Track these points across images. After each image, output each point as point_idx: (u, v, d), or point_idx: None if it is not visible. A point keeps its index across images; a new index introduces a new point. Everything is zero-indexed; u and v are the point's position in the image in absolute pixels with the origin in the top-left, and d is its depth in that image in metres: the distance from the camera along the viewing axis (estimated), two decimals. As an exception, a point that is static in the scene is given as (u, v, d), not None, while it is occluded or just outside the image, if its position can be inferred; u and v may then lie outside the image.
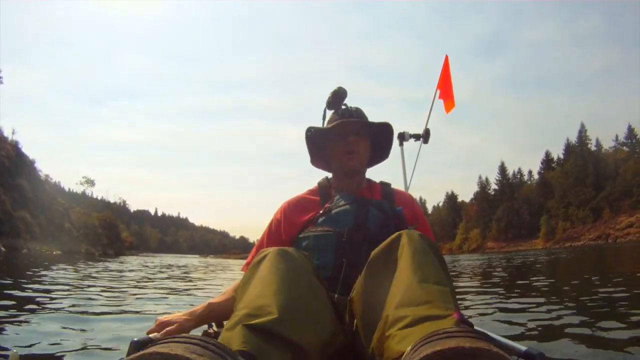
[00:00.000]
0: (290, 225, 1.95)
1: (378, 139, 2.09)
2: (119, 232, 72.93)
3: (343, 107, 2.06)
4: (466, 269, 16.52)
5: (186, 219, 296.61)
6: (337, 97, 2.06)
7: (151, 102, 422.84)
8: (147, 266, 20.99)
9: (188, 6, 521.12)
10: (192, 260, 46.66)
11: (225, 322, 1.42)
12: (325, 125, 2.09)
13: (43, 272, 11.97)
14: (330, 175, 2.17)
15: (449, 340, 0.80)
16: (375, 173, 2.20)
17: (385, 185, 2.13)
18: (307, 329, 1.14)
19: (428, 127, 3.93)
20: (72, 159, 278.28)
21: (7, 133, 51.53)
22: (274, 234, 2.00)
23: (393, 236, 1.34)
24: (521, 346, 1.37)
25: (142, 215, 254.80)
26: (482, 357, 0.77)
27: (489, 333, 1.54)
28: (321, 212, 1.89)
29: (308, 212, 1.95)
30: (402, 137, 3.98)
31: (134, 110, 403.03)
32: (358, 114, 2.06)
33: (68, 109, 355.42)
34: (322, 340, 1.20)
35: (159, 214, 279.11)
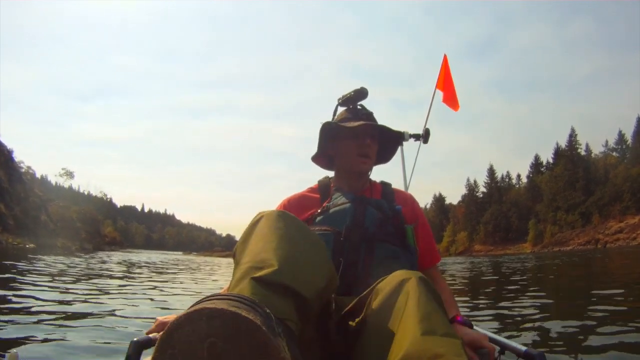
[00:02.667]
0: None
1: (384, 144, 2.12)
2: (99, 226, 71.38)
3: (359, 107, 2.08)
4: (458, 272, 16.48)
5: (173, 216, 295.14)
6: (358, 96, 2.06)
7: (139, 100, 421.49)
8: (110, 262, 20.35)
9: (177, 5, 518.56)
10: (171, 256, 46.20)
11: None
12: (335, 120, 2.06)
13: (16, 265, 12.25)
14: (330, 173, 2.17)
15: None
16: (374, 173, 2.21)
17: (385, 185, 2.13)
18: (305, 277, 1.20)
19: (427, 127, 3.95)
20: (59, 156, 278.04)
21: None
22: None
23: (396, 282, 1.28)
24: (521, 346, 1.43)
25: (129, 211, 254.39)
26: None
27: (488, 333, 1.61)
28: (319, 210, 1.91)
29: (308, 209, 1.96)
30: (402, 137, 3.82)
31: (123, 108, 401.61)
32: (373, 117, 2.07)
33: (55, 106, 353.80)
34: (320, 286, 1.25)
35: (146, 210, 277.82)
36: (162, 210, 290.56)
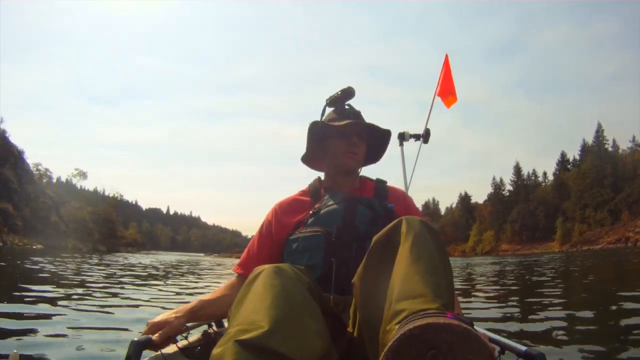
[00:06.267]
0: (281, 226, 1.95)
1: (373, 144, 2.11)
2: (114, 228, 71.11)
3: (347, 106, 2.06)
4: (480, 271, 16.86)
5: (198, 218, 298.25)
6: (346, 96, 2.05)
7: (163, 102, 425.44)
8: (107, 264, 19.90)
9: (200, 7, 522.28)
10: (183, 258, 46.12)
11: (225, 322, 1.62)
12: (323, 120, 2.07)
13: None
14: (321, 175, 2.17)
15: (427, 318, 0.91)
16: (374, 173, 2.20)
17: (379, 183, 2.11)
18: (298, 343, 1.10)
19: (428, 127, 3.99)
20: (84, 158, 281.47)
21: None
22: (265, 236, 2.00)
23: (394, 222, 1.35)
24: (521, 346, 1.44)
25: (154, 213, 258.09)
26: (453, 331, 0.87)
27: (488, 333, 1.65)
28: (311, 212, 1.90)
29: (299, 212, 1.95)
30: (402, 137, 4.08)
31: (146, 110, 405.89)
32: (360, 117, 2.06)
33: (78, 108, 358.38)
34: (315, 355, 1.13)
35: (171, 212, 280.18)
36: (187, 213, 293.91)
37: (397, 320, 1.05)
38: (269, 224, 1.99)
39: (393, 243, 1.28)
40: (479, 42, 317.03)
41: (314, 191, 2.04)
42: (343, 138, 1.96)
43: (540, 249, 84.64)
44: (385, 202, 1.94)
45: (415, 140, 4.05)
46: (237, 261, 2.04)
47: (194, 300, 1.73)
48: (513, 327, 4.42)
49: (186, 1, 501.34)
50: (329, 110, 2.10)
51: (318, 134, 2.04)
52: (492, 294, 8.03)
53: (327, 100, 2.08)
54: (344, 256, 1.72)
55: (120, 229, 79.14)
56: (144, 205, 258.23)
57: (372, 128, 2.00)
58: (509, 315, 5.20)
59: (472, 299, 7.13)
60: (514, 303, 6.43)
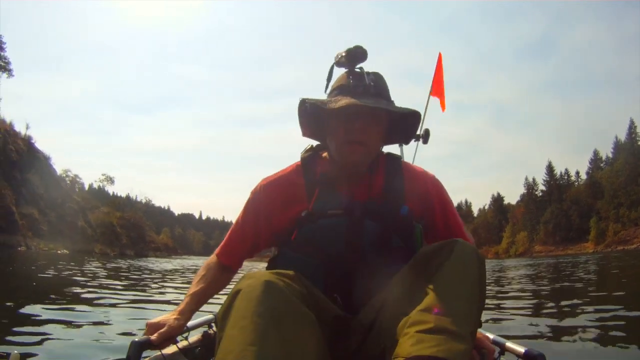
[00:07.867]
0: (267, 216, 1.68)
1: (398, 123, 1.68)
2: (143, 232, 71.68)
3: (357, 69, 1.61)
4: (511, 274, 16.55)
5: (230, 223, 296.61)
6: (354, 58, 1.60)
7: (197, 110, 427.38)
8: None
9: (232, 14, 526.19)
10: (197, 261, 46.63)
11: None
12: (330, 87, 1.67)
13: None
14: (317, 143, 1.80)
15: None
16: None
17: (391, 162, 1.72)
18: None
19: (427, 127, 3.81)
20: (116, 166, 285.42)
21: (19, 128, 51.63)
22: (249, 223, 1.73)
23: (449, 240, 1.28)
24: (521, 347, 1.44)
25: (187, 218, 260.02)
26: None
27: (488, 333, 1.65)
28: (304, 213, 1.58)
29: (290, 202, 1.64)
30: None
31: (180, 118, 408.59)
32: (377, 87, 1.58)
33: (112, 117, 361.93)
34: None
35: (204, 217, 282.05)
36: (219, 218, 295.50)
37: (418, 329, 1.06)
38: (255, 210, 1.71)
39: (440, 257, 1.23)
40: (509, 42, 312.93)
41: (309, 172, 1.67)
42: (343, 121, 1.54)
43: (574, 249, 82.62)
44: (400, 200, 1.58)
45: (414, 141, 3.75)
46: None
47: (185, 298, 1.63)
48: (520, 327, 4.38)
49: (219, 8, 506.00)
50: (338, 71, 1.66)
51: (313, 114, 1.64)
52: (516, 296, 7.81)
53: (335, 58, 1.63)
54: (346, 288, 1.50)
55: (150, 233, 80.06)
56: (177, 210, 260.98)
57: (386, 111, 1.56)
58: (506, 314, 5.18)
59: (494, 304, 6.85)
60: (538, 307, 6.21)
